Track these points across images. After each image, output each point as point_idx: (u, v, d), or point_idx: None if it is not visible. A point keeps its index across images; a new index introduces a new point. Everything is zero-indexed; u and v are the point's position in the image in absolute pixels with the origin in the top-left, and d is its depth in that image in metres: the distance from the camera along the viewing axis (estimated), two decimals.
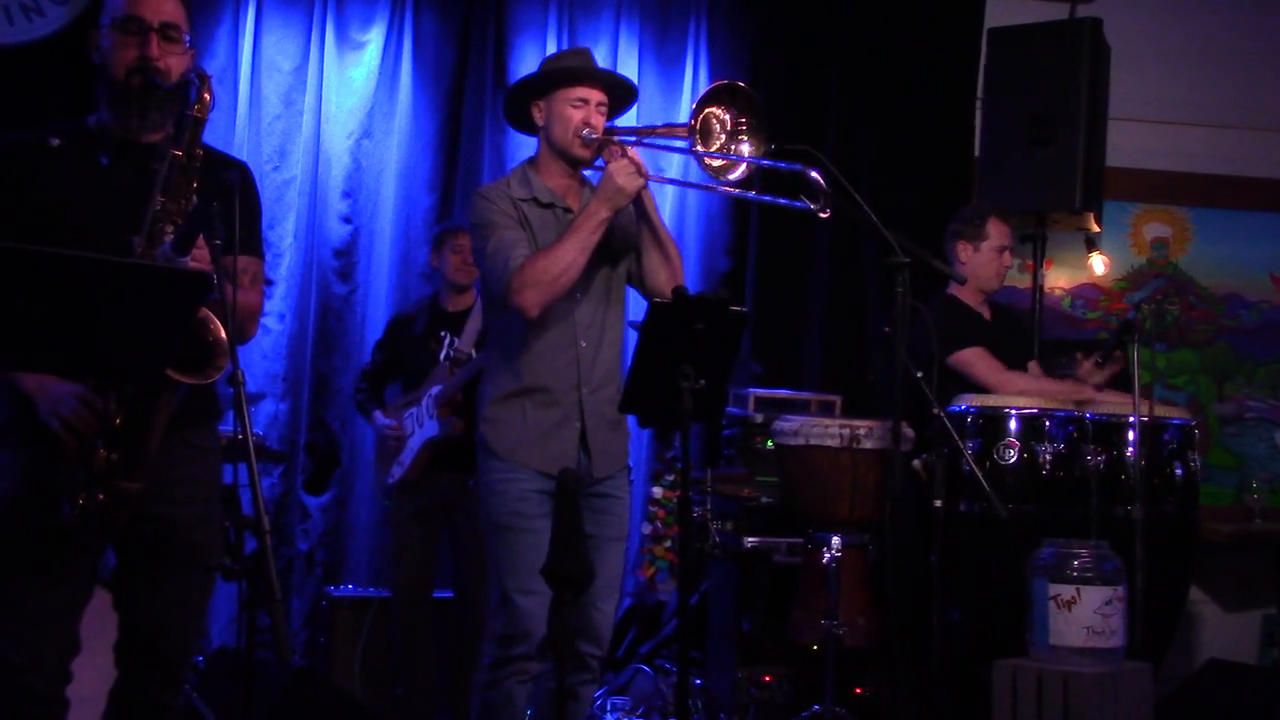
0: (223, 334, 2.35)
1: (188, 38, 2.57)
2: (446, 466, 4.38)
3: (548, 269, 3.04)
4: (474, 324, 4.47)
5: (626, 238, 3.26)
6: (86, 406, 2.36)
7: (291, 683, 3.80)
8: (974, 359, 4.25)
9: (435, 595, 4.48)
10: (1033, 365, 4.51)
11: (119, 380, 2.34)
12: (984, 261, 4.36)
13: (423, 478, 4.39)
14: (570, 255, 3.05)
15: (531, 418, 3.13)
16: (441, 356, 4.47)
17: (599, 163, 3.24)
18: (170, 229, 2.38)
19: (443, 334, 4.50)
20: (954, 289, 4.38)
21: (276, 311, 4.91)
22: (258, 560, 2.15)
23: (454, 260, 4.49)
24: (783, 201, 3.16)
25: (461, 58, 5.16)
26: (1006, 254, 4.39)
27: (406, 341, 4.57)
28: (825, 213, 3.02)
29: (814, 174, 3.00)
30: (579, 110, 3.19)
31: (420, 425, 4.40)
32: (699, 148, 3.09)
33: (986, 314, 4.45)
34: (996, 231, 4.36)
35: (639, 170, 3.07)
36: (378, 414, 4.54)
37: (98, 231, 2.45)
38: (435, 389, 4.40)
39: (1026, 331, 4.74)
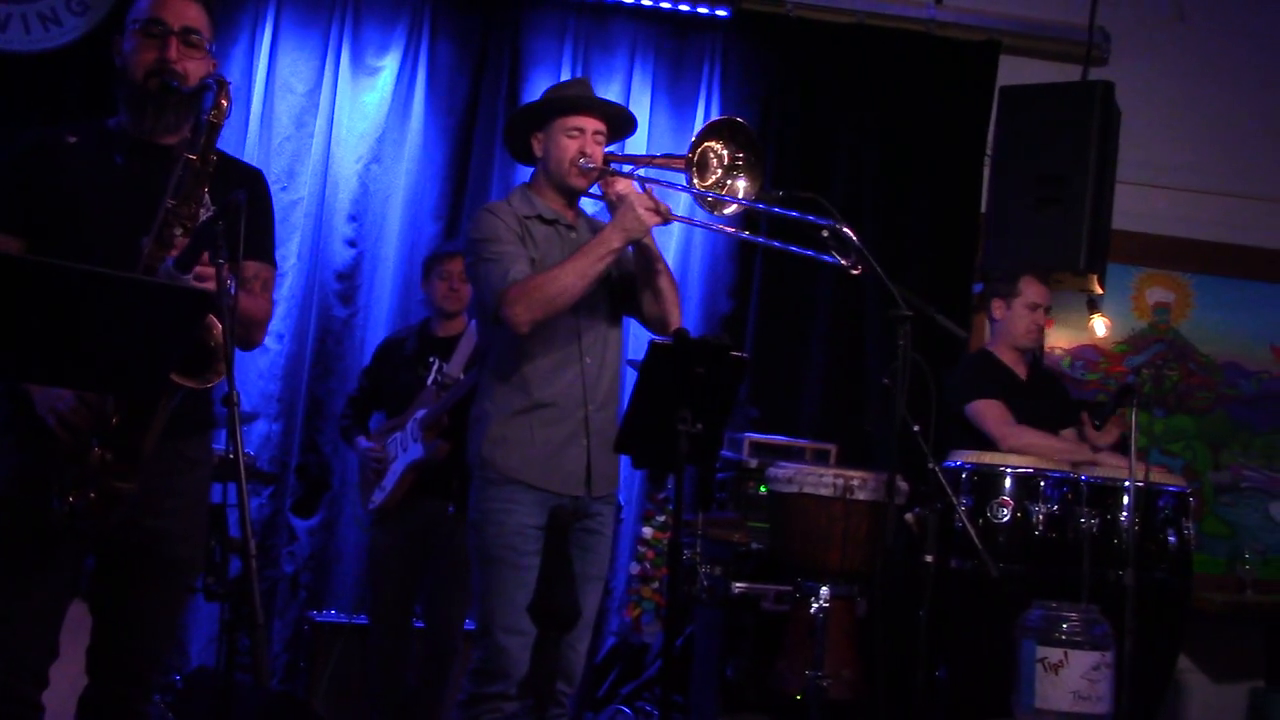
0: (224, 339, 2.35)
1: (211, 45, 2.59)
2: (428, 492, 4.33)
3: (544, 287, 3.05)
4: (464, 348, 4.43)
5: (623, 264, 3.27)
6: (83, 404, 2.35)
7: (268, 707, 3.77)
8: (986, 409, 4.28)
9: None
10: (1069, 433, 4.49)
11: (116, 392, 2.33)
12: (1015, 318, 4.48)
13: (404, 504, 4.33)
14: (570, 279, 3.05)
15: (540, 435, 3.13)
16: (429, 381, 4.43)
17: (595, 190, 3.28)
18: (180, 231, 2.39)
19: (431, 359, 4.45)
20: (991, 344, 4.52)
21: (275, 331, 4.89)
22: (242, 584, 2.13)
23: (442, 287, 4.46)
24: (811, 254, 3.15)
25: (475, 88, 5.18)
26: (1039, 312, 4.51)
27: (395, 365, 4.52)
28: (856, 269, 3.02)
29: (846, 230, 3.01)
30: (575, 140, 3.22)
31: (404, 449, 4.35)
32: (695, 179, 3.12)
33: (1022, 373, 4.49)
34: (1029, 289, 4.49)
35: (658, 209, 3.08)
36: (361, 440, 4.47)
37: (109, 229, 2.47)
38: (420, 412, 4.35)
39: (1068, 397, 4.72)
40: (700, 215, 3.95)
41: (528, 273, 3.09)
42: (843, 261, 3.03)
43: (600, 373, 3.21)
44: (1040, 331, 4.55)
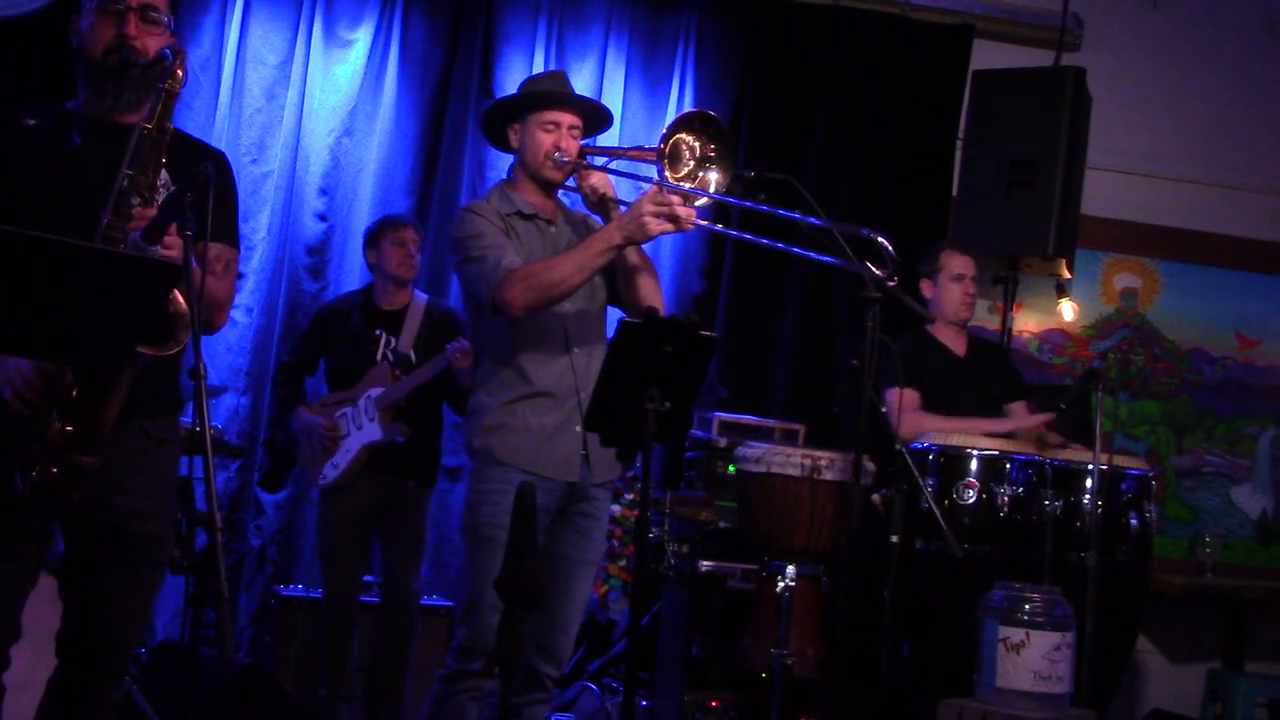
0: (184, 307, 2.33)
1: (170, 21, 2.57)
2: (381, 469, 4.31)
3: (542, 274, 3.06)
4: (411, 324, 4.39)
5: None
6: (41, 376, 2.33)
7: (234, 680, 3.76)
8: (894, 400, 4.29)
9: (362, 599, 4.43)
10: (1018, 406, 4.50)
11: (82, 363, 2.31)
12: (943, 293, 4.46)
13: (356, 480, 4.31)
14: (568, 270, 3.05)
15: (534, 422, 3.15)
16: (378, 356, 4.40)
17: (571, 182, 3.29)
18: (138, 201, 2.36)
19: (378, 332, 4.41)
20: (930, 325, 4.47)
21: (244, 305, 4.87)
22: (207, 557, 2.12)
23: (396, 253, 4.39)
24: (844, 264, 3.13)
25: (448, 62, 5.15)
26: (966, 282, 4.45)
27: (340, 337, 4.46)
28: (893, 281, 3.02)
29: (881, 239, 3.00)
30: (550, 134, 3.24)
31: (359, 427, 4.31)
32: (667, 171, 3.12)
33: (961, 349, 4.49)
34: (950, 261, 4.45)
35: (674, 215, 3.00)
36: (303, 411, 4.41)
37: (67, 209, 2.43)
38: (375, 391, 4.31)
39: (1012, 370, 4.73)
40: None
41: (520, 261, 3.10)
42: (879, 272, 3.02)
43: (589, 362, 3.23)
44: (971, 302, 4.51)
